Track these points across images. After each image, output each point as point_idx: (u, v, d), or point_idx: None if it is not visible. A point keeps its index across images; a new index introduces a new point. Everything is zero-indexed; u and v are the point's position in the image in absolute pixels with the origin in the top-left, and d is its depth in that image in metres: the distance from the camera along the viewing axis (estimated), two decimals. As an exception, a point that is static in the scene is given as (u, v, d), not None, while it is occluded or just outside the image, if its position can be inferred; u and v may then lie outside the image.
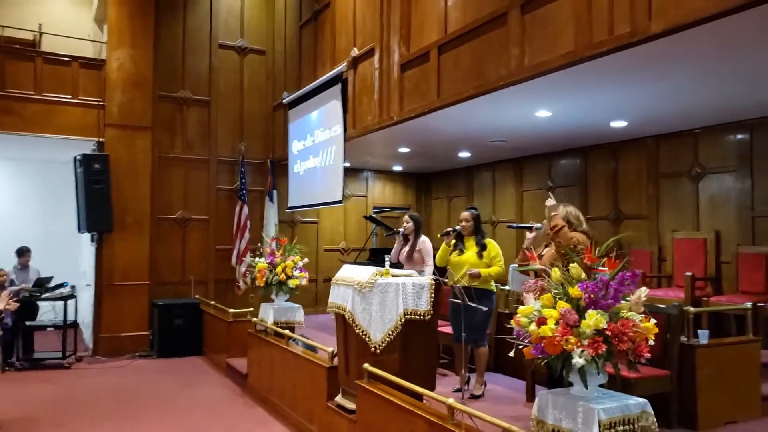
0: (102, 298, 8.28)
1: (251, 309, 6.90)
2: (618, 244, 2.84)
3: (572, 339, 2.56)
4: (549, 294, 2.77)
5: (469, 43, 5.34)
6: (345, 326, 4.38)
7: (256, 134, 9.87)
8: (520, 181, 9.19)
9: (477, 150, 8.62)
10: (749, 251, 6.14)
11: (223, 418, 5.48)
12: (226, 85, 9.64)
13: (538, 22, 4.55)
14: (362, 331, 4.10)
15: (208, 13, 9.53)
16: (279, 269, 6.11)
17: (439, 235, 5.29)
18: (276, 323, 6.03)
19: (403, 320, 3.99)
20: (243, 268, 8.92)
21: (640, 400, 2.71)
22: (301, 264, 6.24)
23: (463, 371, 4.90)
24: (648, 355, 2.59)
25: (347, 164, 8.58)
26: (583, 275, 2.71)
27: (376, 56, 6.77)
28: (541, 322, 2.67)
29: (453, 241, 5.16)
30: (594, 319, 2.56)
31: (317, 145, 8.09)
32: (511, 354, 2.90)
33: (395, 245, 6.00)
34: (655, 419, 2.69)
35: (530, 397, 4.74)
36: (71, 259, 9.78)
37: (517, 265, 4.59)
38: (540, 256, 4.08)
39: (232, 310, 7.23)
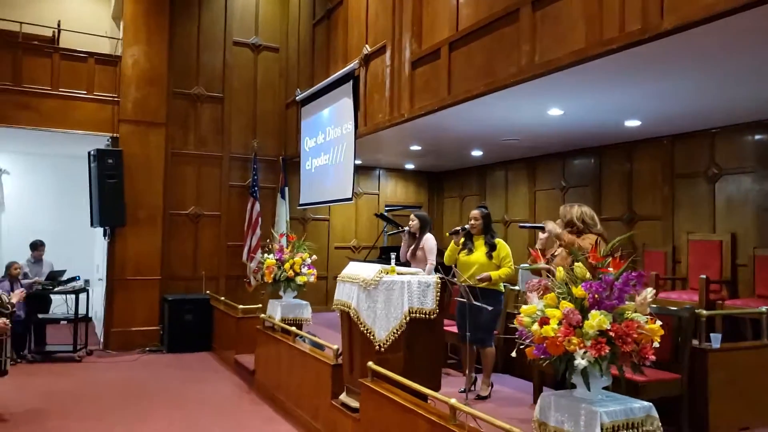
0: (113, 293, 8.35)
1: (260, 305, 6.92)
2: (631, 244, 2.78)
3: (575, 340, 2.51)
4: (552, 293, 2.72)
5: (479, 40, 5.28)
6: (350, 324, 4.36)
7: (269, 131, 9.89)
8: (533, 181, 9.09)
9: (489, 149, 8.54)
10: (767, 254, 6.00)
11: (230, 415, 5.49)
12: (240, 82, 9.67)
13: (549, 19, 4.48)
14: (367, 329, 4.07)
15: (222, 11, 9.58)
16: (287, 266, 6.11)
17: (447, 234, 5.24)
18: (283, 320, 6.03)
19: (408, 319, 3.96)
20: (254, 265, 8.94)
21: (645, 403, 2.65)
22: (309, 261, 6.24)
23: (467, 371, 4.84)
24: (653, 357, 2.52)
25: (358, 162, 8.57)
26: (588, 275, 2.66)
27: (388, 53, 6.74)
28: (544, 322, 2.62)
29: (462, 240, 5.11)
30: (597, 319, 2.50)
31: (329, 142, 8.08)
32: (513, 354, 2.85)
33: (402, 243, 5.96)
34: (660, 424, 2.62)
35: (537, 399, 4.67)
36: (86, 253, 9.90)
37: (525, 266, 4.54)
38: (553, 256, 4.02)
39: (241, 307, 7.25)
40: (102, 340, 8.43)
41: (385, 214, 10.25)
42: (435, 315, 4.05)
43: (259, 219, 9.21)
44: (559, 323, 2.57)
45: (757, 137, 6.25)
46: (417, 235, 5.76)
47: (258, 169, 9.39)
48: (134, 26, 8.67)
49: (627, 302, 2.60)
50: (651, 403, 2.65)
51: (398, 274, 4.15)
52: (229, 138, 9.56)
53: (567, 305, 2.60)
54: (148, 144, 8.66)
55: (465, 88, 5.45)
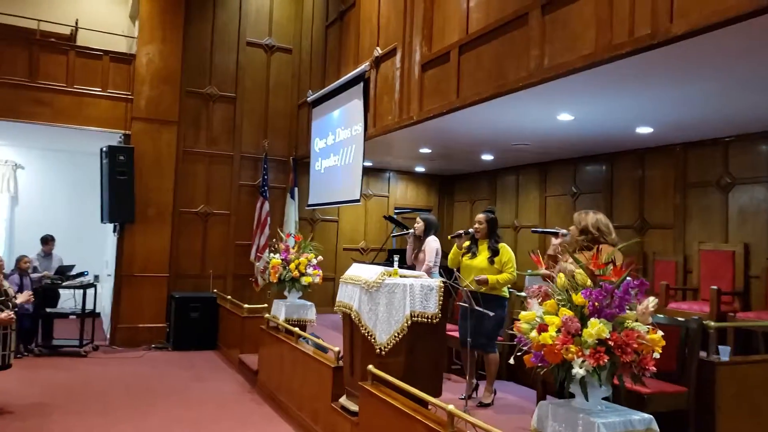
0: (121, 289, 8.40)
1: (266, 305, 6.91)
2: (641, 253, 2.73)
3: (573, 348, 2.45)
4: (552, 300, 2.67)
5: (489, 43, 5.24)
6: (351, 326, 4.33)
7: (280, 132, 9.91)
8: (544, 186, 9.01)
9: (500, 153, 8.48)
10: (780, 266, 5.88)
11: (231, 414, 5.48)
12: (253, 83, 9.71)
13: (559, 24, 4.42)
14: (368, 332, 4.04)
15: (237, 11, 9.62)
16: (292, 266, 6.10)
17: (449, 237, 5.19)
18: (288, 320, 6.02)
19: (409, 322, 3.92)
20: (261, 264, 8.95)
21: (646, 416, 2.59)
22: (315, 261, 6.22)
23: (468, 377, 4.79)
24: (653, 369, 2.46)
25: (369, 164, 8.54)
26: (589, 282, 2.60)
27: (398, 56, 6.72)
28: (542, 329, 2.57)
29: (466, 244, 5.06)
30: (596, 328, 2.44)
31: (338, 143, 8.07)
32: (511, 361, 2.80)
33: (408, 246, 5.93)
34: (661, 438, 2.56)
35: (539, 407, 4.61)
36: (96, 249, 9.98)
37: (530, 272, 4.48)
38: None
39: (246, 306, 7.25)
40: (109, 335, 8.48)
41: (394, 216, 10.22)
42: (437, 319, 4.00)
43: (268, 219, 9.22)
44: (558, 331, 2.53)
45: (772, 147, 6.14)
46: (422, 238, 5.73)
47: (268, 168, 9.41)
48: (149, 25, 8.75)
49: (629, 311, 2.55)
50: (652, 416, 2.59)
51: (401, 276, 4.11)
52: (240, 137, 9.59)
53: (566, 312, 2.55)
54: (159, 142, 8.72)
55: (474, 91, 5.41)
